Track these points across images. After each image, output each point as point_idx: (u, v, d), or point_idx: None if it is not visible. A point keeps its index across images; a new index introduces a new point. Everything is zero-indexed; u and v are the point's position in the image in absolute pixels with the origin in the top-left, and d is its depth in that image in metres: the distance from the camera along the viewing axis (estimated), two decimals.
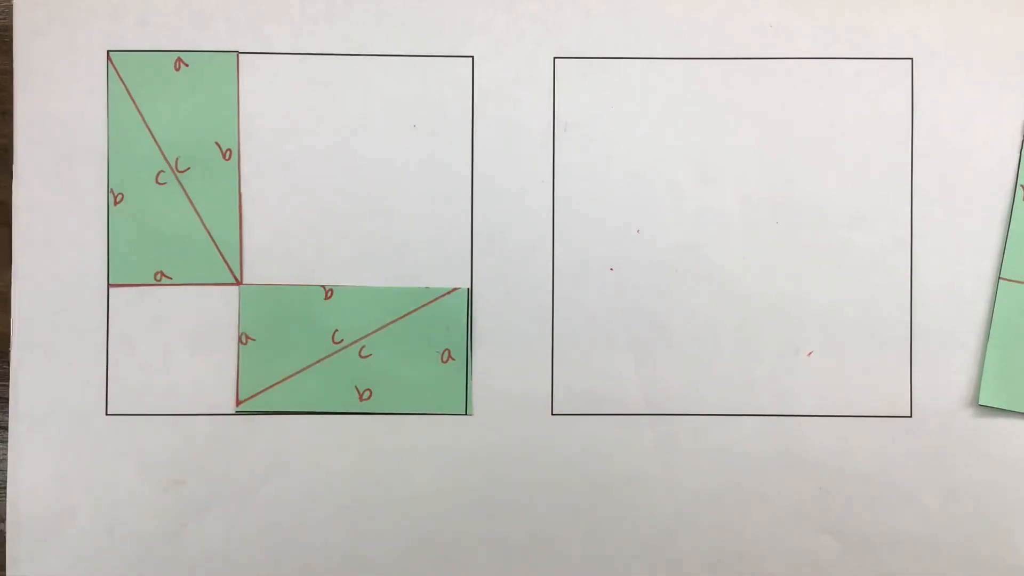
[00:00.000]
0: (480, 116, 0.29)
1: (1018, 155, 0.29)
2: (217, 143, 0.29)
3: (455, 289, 0.29)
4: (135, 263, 0.29)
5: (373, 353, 0.29)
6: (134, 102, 0.29)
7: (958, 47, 0.29)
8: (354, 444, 0.29)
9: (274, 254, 0.29)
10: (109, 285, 0.29)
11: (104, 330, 0.29)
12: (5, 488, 0.29)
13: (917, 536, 0.29)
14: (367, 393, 0.29)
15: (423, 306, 0.29)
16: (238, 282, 0.29)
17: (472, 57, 0.29)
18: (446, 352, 0.29)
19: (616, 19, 0.29)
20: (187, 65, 0.29)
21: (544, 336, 0.29)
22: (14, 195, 0.29)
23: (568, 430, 0.29)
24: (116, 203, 0.29)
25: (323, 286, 0.29)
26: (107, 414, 0.29)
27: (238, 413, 0.29)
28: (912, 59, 0.29)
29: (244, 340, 0.29)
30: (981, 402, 0.29)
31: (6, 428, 0.29)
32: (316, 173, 0.29)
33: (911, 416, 0.29)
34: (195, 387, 0.29)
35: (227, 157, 0.29)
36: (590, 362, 0.29)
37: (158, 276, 0.29)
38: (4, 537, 0.29)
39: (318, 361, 0.29)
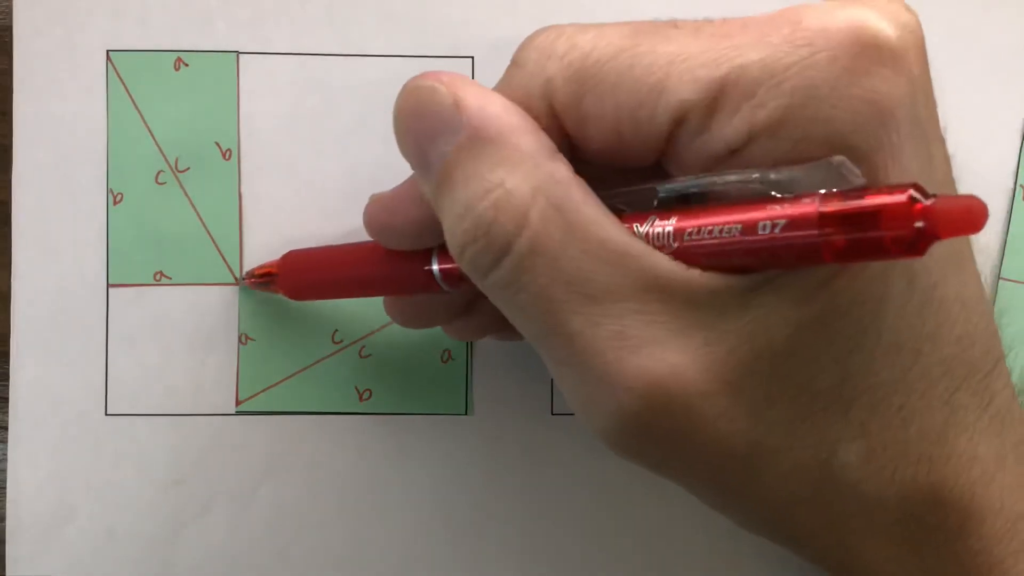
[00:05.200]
0: None
1: (1018, 155, 0.29)
2: (217, 143, 0.29)
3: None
4: (134, 263, 0.29)
5: (373, 353, 0.29)
6: (134, 102, 0.29)
7: (958, 47, 0.29)
8: (354, 444, 0.29)
9: (274, 254, 0.29)
10: (108, 285, 0.29)
11: (104, 330, 0.29)
12: (5, 488, 0.29)
13: None
14: (367, 393, 0.29)
15: None
16: (238, 282, 0.29)
17: (472, 57, 0.29)
18: (446, 352, 0.29)
19: (616, 19, 0.29)
20: (187, 65, 0.29)
21: None
22: (14, 195, 0.29)
23: (568, 430, 0.29)
24: (116, 203, 0.29)
25: None
26: (107, 414, 0.29)
27: (238, 413, 0.29)
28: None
29: (244, 340, 0.29)
30: None
31: (6, 428, 0.29)
32: (316, 173, 0.29)
33: None
34: (195, 387, 0.29)
35: (227, 157, 0.29)
36: None
37: (158, 276, 0.29)
38: (4, 537, 0.29)
39: (318, 361, 0.29)
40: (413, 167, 0.20)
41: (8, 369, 0.29)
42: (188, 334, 0.29)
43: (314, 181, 0.29)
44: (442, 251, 0.22)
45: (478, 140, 0.18)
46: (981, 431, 0.20)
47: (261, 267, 0.28)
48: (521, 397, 0.29)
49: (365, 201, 0.29)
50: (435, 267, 0.22)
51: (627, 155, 0.19)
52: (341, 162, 0.29)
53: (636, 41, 0.18)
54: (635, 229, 0.18)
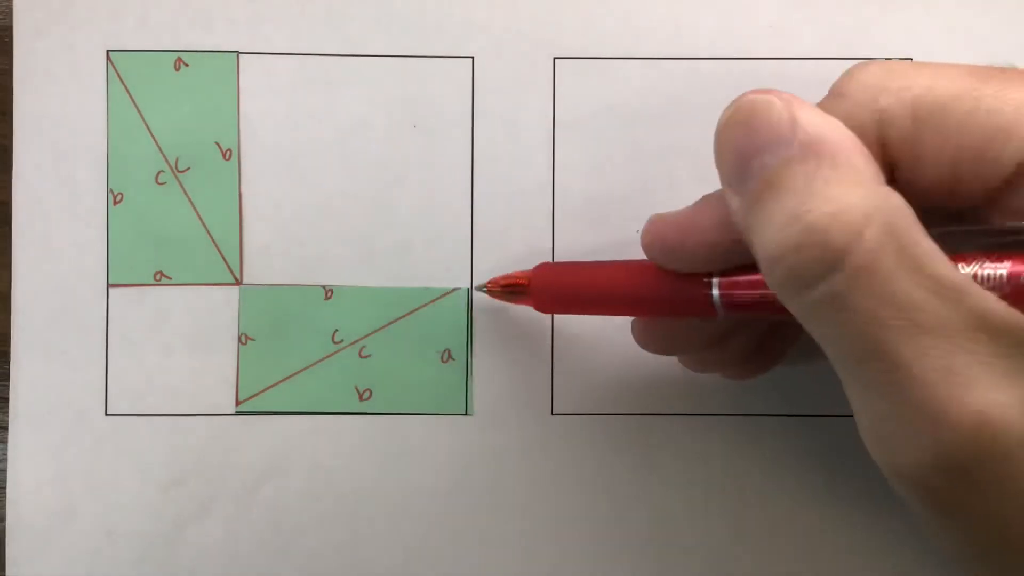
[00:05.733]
0: (480, 116, 0.29)
1: None
2: (217, 143, 0.29)
3: (455, 289, 0.29)
4: (135, 263, 0.29)
5: (373, 353, 0.29)
6: (134, 102, 0.29)
7: (958, 47, 0.29)
8: (354, 444, 0.29)
9: (274, 254, 0.29)
10: (109, 285, 0.29)
11: (104, 330, 0.29)
12: (5, 488, 0.29)
13: (922, 537, 0.29)
14: (367, 393, 0.29)
15: (423, 306, 0.29)
16: (238, 282, 0.29)
17: (472, 57, 0.29)
18: (446, 352, 0.29)
19: (616, 19, 0.29)
20: (187, 65, 0.29)
21: (544, 336, 0.29)
22: (14, 195, 0.29)
23: (568, 430, 0.29)
24: (116, 203, 0.29)
25: (323, 286, 0.29)
26: (107, 414, 0.29)
27: (238, 413, 0.29)
28: (911, 59, 0.29)
29: (244, 340, 0.29)
30: None
31: (6, 428, 0.29)
32: (316, 173, 0.29)
33: None
34: (195, 387, 0.29)
35: (227, 157, 0.29)
36: (590, 362, 0.29)
37: (158, 276, 0.29)
38: (4, 537, 0.29)
39: (318, 361, 0.29)
40: (725, 178, 0.20)
41: (8, 369, 0.29)
42: (188, 334, 0.29)
43: (314, 181, 0.29)
44: (723, 275, 0.22)
45: (814, 154, 0.18)
46: None
47: (508, 277, 0.27)
48: (521, 397, 0.29)
49: (365, 201, 0.29)
50: (715, 291, 0.22)
51: (956, 195, 0.19)
52: (341, 162, 0.29)
53: (977, 83, 0.18)
54: (960, 268, 0.18)
